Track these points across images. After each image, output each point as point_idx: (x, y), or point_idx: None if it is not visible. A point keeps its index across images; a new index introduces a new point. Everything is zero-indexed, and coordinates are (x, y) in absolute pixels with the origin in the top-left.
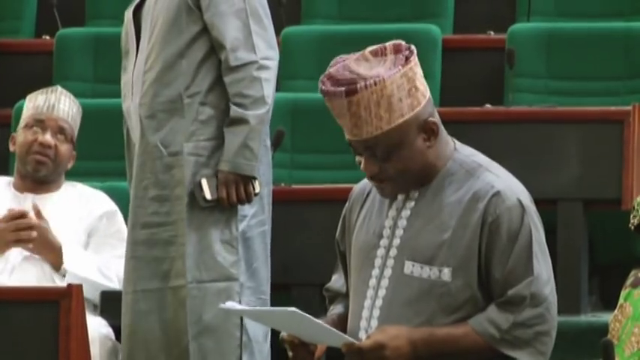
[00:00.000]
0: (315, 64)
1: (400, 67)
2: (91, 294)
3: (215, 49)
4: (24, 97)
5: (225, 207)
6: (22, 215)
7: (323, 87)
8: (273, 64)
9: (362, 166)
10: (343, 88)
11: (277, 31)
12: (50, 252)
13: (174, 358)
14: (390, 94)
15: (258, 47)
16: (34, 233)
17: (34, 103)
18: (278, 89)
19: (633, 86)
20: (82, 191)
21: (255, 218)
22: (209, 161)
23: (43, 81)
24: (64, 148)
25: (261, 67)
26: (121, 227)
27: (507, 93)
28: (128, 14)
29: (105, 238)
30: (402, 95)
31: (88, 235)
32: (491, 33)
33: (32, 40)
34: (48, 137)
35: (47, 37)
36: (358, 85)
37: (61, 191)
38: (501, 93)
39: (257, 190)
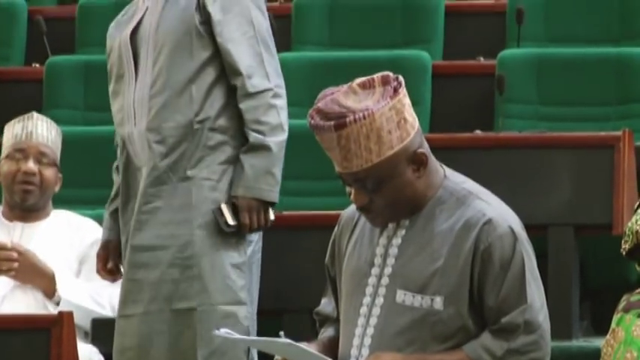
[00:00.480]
0: (306, 90)
1: (389, 99)
2: (82, 321)
3: (226, 74)
4: None
5: (245, 233)
6: (2, 247)
7: (312, 121)
8: (284, 92)
9: (352, 196)
10: (332, 122)
11: None
12: (41, 279)
13: None
14: (379, 126)
15: (270, 75)
16: (16, 264)
17: (12, 132)
18: None
19: (624, 111)
20: (71, 218)
21: (257, 245)
22: (218, 185)
23: (33, 109)
24: (49, 172)
25: (276, 95)
26: None
27: (497, 119)
28: (123, 38)
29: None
30: (391, 127)
31: (79, 262)
32: (481, 59)
33: (22, 67)
34: (31, 165)
35: (37, 65)
36: (347, 119)
37: (51, 218)
38: (491, 119)
39: (272, 217)
